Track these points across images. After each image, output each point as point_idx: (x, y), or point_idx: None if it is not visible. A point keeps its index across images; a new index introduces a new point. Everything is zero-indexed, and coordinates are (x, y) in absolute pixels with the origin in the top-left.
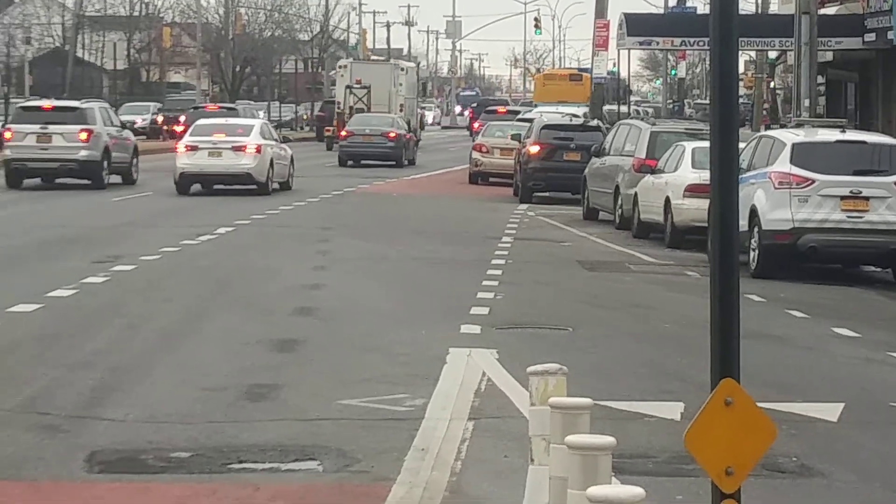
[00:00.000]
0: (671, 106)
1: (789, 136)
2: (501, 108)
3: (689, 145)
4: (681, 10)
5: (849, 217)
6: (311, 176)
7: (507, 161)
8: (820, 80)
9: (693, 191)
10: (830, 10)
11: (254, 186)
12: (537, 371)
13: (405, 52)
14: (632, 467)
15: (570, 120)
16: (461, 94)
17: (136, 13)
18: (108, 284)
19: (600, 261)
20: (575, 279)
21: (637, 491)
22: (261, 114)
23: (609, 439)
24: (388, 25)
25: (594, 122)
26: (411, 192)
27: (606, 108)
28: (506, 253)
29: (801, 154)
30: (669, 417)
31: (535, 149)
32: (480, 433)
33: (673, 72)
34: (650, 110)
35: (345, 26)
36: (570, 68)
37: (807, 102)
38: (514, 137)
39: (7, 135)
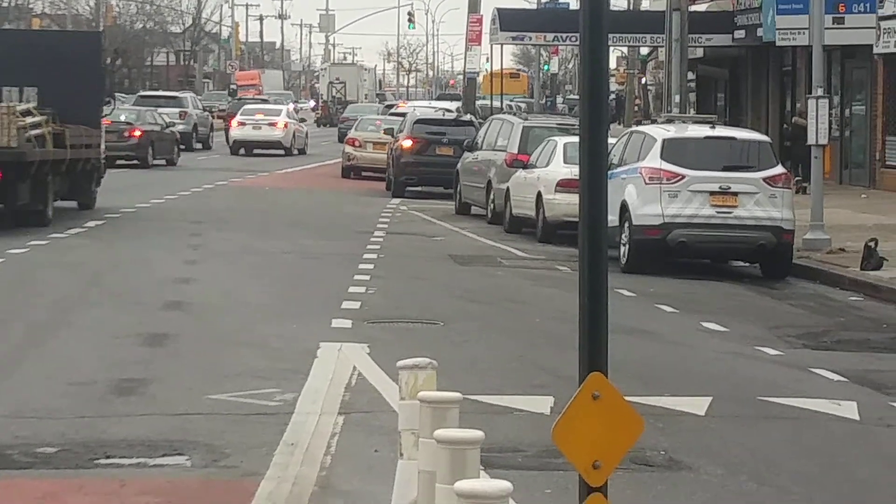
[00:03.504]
0: (543, 101)
1: (660, 132)
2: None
3: (561, 140)
4: (553, 5)
5: (718, 212)
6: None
7: (380, 155)
8: (690, 76)
9: (565, 186)
10: (701, 7)
11: (282, 151)
12: (407, 365)
13: (278, 45)
14: (501, 461)
15: (443, 114)
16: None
17: (4, 4)
18: None
19: (472, 255)
20: (447, 274)
21: (504, 485)
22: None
23: (477, 433)
24: (260, 19)
25: (467, 117)
26: (283, 185)
27: (479, 102)
28: (378, 247)
29: (672, 150)
30: (539, 411)
31: (407, 143)
32: (350, 428)
33: (546, 67)
34: (522, 105)
35: (217, 19)
36: (511, 68)
37: (677, 98)
38: (386, 132)
39: None
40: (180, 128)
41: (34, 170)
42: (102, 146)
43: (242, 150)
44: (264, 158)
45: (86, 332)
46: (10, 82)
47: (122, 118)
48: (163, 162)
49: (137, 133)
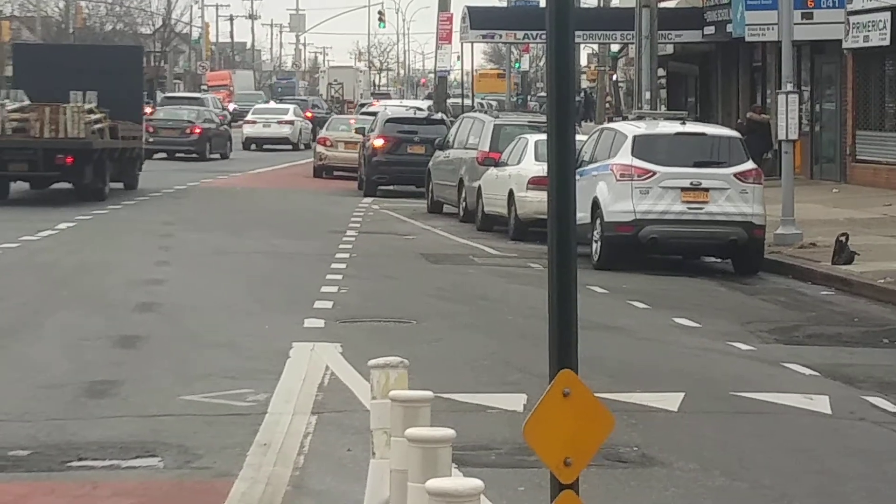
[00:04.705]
0: (515, 99)
1: (630, 129)
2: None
3: (533, 138)
4: (523, 3)
5: (689, 208)
6: None
7: (352, 154)
8: (661, 72)
9: (536, 183)
10: (671, 4)
11: (289, 146)
12: (378, 364)
13: (248, 45)
14: (474, 459)
15: (415, 113)
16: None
17: None
18: None
19: (445, 254)
20: (419, 272)
21: (475, 483)
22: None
23: (448, 431)
24: (231, 19)
25: (438, 115)
26: (255, 185)
27: (451, 101)
28: (350, 246)
29: (642, 146)
30: (512, 409)
31: (379, 142)
32: (323, 427)
33: (517, 65)
34: (494, 103)
35: (187, 20)
36: (498, 69)
37: (648, 95)
38: (358, 131)
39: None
40: None
41: (96, 156)
42: (144, 138)
43: (253, 146)
44: (239, 160)
45: (56, 335)
46: (75, 87)
47: (185, 117)
48: (217, 156)
49: (198, 130)
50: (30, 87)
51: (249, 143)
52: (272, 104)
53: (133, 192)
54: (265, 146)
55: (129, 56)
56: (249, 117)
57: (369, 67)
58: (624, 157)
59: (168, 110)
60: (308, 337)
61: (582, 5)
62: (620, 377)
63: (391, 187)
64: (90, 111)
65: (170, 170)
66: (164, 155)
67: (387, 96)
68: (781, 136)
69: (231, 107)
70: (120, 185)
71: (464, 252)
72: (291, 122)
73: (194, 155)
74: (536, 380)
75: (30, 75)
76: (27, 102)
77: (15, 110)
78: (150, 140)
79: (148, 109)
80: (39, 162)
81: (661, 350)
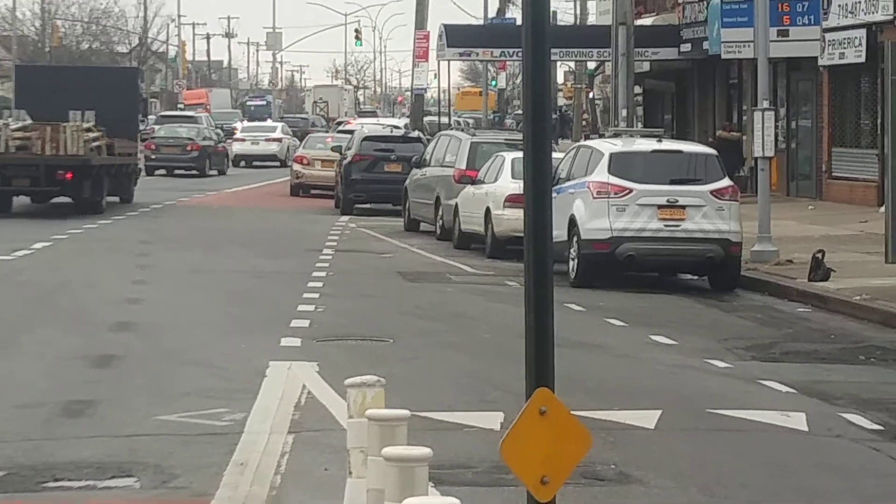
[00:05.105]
0: (491, 116)
1: (607, 146)
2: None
3: (509, 156)
4: (500, 21)
5: (666, 226)
6: None
7: (329, 173)
8: (638, 90)
9: (513, 201)
10: (647, 21)
11: (277, 163)
12: (355, 383)
13: (225, 64)
14: (451, 478)
15: (391, 131)
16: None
17: None
18: None
19: (422, 272)
20: (396, 290)
21: (453, 502)
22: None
23: (425, 450)
24: (207, 37)
25: (415, 133)
26: (232, 204)
27: (427, 119)
28: (327, 265)
29: (619, 164)
30: (489, 427)
31: (356, 160)
32: (300, 446)
33: (493, 83)
34: (471, 121)
35: (164, 38)
36: (476, 86)
37: (624, 112)
38: (335, 149)
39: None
40: None
41: (94, 172)
42: (140, 155)
43: (243, 163)
44: (222, 177)
45: (33, 354)
46: (74, 107)
47: (185, 135)
48: (215, 172)
49: (197, 147)
50: (31, 107)
51: (239, 160)
52: (260, 123)
53: (111, 211)
54: (254, 163)
55: (125, 77)
56: (238, 135)
57: (354, 87)
58: (600, 174)
59: (168, 128)
60: (285, 356)
61: (558, 23)
62: (597, 395)
63: (368, 205)
64: (88, 129)
65: (156, 188)
66: (163, 171)
67: (373, 114)
68: (757, 153)
69: None
70: (116, 199)
71: (441, 270)
72: (279, 140)
73: (194, 171)
74: (514, 397)
75: (31, 96)
76: (29, 122)
77: (18, 129)
78: (153, 157)
79: (141, 126)
80: (41, 177)
81: (637, 368)
